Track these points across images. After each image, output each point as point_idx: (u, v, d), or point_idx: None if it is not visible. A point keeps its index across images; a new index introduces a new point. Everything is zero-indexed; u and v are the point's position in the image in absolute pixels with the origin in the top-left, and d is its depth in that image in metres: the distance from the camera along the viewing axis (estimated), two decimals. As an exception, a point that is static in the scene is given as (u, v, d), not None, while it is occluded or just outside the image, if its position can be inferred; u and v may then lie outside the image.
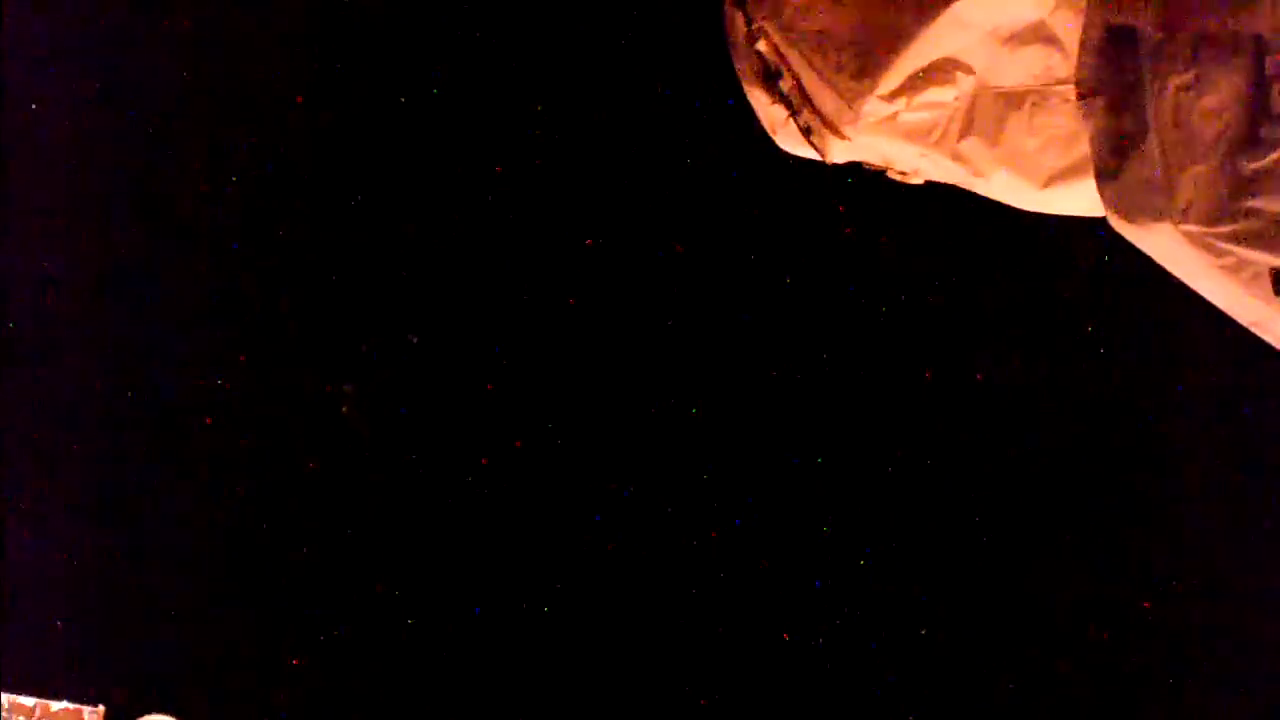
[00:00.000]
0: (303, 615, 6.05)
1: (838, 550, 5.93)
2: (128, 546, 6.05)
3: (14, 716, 5.70)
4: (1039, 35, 3.40)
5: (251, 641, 6.05)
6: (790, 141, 3.63)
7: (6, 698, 5.71)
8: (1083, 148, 3.25)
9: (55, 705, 5.76)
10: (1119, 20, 2.96)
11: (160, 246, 6.08)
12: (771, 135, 3.64)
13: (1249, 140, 2.74)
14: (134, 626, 6.00)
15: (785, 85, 3.50)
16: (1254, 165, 2.73)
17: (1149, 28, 2.88)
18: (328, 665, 6.03)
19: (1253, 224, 2.74)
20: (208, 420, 6.07)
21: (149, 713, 5.82)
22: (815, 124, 3.50)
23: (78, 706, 5.79)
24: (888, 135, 3.48)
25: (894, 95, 3.42)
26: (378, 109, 6.04)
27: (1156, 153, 2.88)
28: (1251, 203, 2.74)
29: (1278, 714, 5.59)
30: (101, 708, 5.80)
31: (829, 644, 5.92)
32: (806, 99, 3.49)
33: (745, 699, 5.94)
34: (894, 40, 3.38)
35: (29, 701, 5.75)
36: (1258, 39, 2.72)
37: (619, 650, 5.97)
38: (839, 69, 3.44)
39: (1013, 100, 3.48)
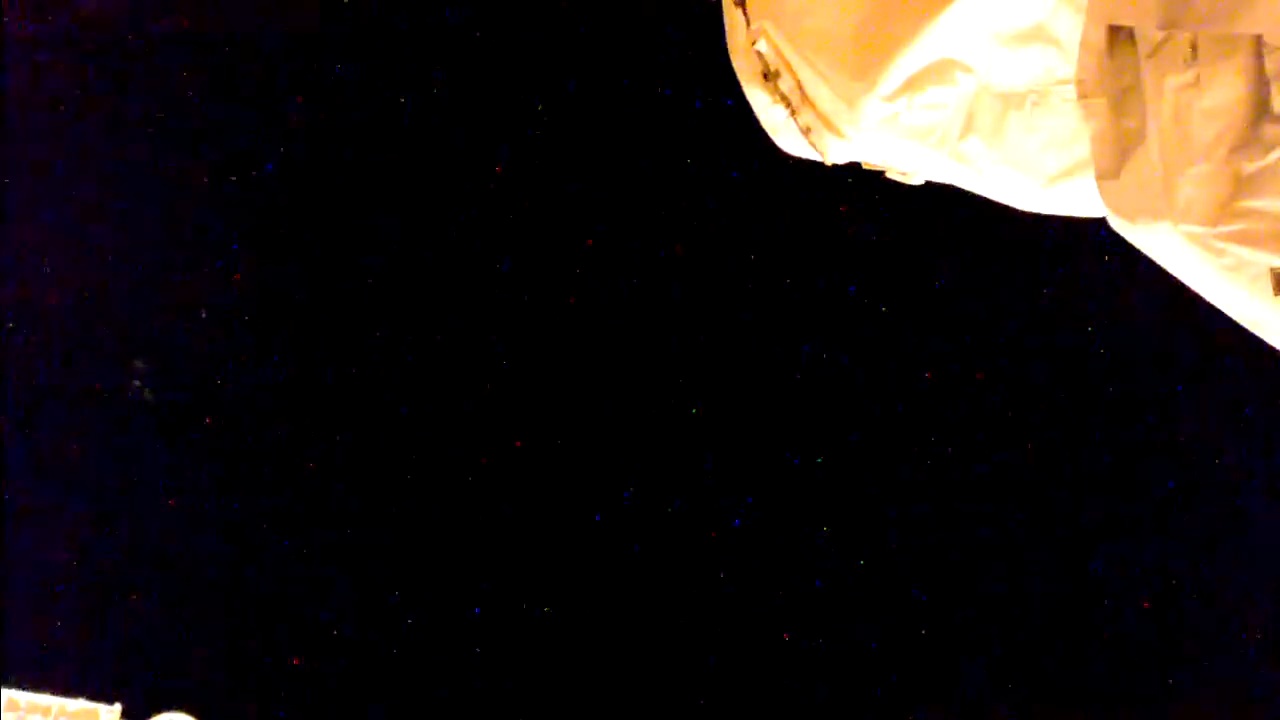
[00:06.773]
0: (304, 615, 6.05)
1: (838, 550, 5.93)
2: (141, 548, 6.05)
3: (31, 715, 5.72)
4: (1039, 35, 3.40)
5: (258, 642, 6.05)
6: (790, 141, 3.62)
7: (25, 697, 5.72)
8: (1083, 148, 3.24)
9: (72, 704, 5.78)
10: (1119, 20, 2.95)
11: (160, 246, 6.08)
12: (771, 135, 3.63)
13: (1249, 140, 2.73)
14: (149, 626, 6.01)
15: (785, 85, 3.50)
16: (1254, 165, 2.72)
17: (1149, 28, 2.87)
18: (327, 665, 6.03)
19: (1253, 224, 2.73)
20: (209, 421, 6.07)
21: (165, 710, 5.83)
22: (815, 124, 3.49)
23: (94, 705, 5.80)
24: (888, 135, 3.47)
25: (894, 95, 3.41)
26: (378, 109, 6.05)
27: (1156, 153, 2.87)
28: (1251, 203, 2.73)
29: (1276, 714, 5.59)
30: (118, 706, 5.81)
31: (829, 644, 5.92)
32: (806, 99, 3.48)
33: (746, 699, 5.94)
34: (894, 40, 3.37)
35: (47, 700, 5.76)
36: (1258, 39, 2.72)
37: (619, 650, 5.97)
38: (839, 69, 3.43)
39: (1013, 100, 3.47)
